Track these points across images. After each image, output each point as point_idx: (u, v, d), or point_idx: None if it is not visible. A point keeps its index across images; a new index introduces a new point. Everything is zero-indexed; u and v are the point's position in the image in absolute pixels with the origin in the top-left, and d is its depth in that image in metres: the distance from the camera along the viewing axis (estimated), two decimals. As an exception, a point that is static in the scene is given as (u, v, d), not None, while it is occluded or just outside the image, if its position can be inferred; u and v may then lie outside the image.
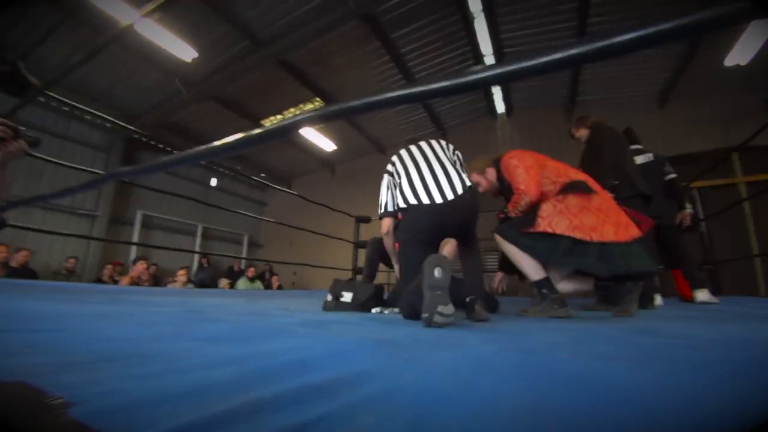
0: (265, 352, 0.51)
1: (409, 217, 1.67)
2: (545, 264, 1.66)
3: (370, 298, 2.00)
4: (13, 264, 4.31)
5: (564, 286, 1.73)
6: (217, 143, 0.80)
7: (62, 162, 2.31)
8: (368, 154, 8.44)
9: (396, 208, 1.87)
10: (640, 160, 3.01)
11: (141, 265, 4.57)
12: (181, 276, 4.90)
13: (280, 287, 7.26)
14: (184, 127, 6.96)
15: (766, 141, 3.18)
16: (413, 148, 1.86)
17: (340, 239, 4.94)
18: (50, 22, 4.44)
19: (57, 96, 2.26)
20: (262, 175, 9.17)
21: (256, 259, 8.43)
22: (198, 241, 7.89)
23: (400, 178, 1.79)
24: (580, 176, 1.73)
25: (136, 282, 4.50)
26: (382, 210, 1.99)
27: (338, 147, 7.72)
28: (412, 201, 1.67)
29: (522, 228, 1.68)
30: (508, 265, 2.02)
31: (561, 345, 0.72)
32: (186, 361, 0.45)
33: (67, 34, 4.64)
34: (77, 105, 2.33)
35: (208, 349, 0.53)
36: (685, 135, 5.66)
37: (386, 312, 1.95)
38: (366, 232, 6.08)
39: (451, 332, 0.87)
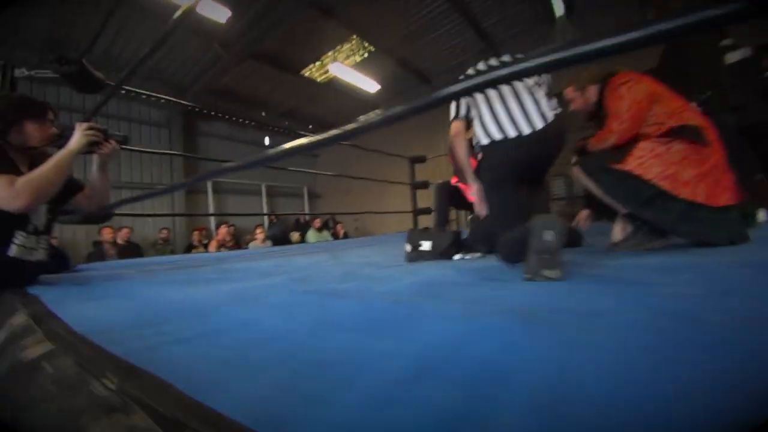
0: (428, 347, 0.51)
1: (493, 155, 1.53)
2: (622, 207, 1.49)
3: (451, 246, 2.01)
4: (120, 241, 4.95)
5: (618, 233, 1.59)
6: (279, 149, 0.84)
7: (142, 149, 2.48)
8: (412, 88, 8.01)
9: (477, 144, 1.69)
10: (733, 58, 2.52)
11: (224, 229, 5.02)
12: (260, 234, 5.31)
13: (345, 234, 7.61)
14: (231, 91, 7.07)
15: None
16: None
17: (397, 182, 4.91)
18: (101, 14, 4.56)
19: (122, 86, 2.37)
20: (310, 126, 9.21)
21: (318, 214, 8.80)
22: (264, 199, 8.37)
23: (478, 107, 1.60)
24: (697, 119, 1.43)
25: (222, 244, 4.98)
26: (453, 114, 1.78)
27: (381, 86, 7.39)
28: (497, 136, 1.51)
29: (608, 162, 1.47)
30: (594, 203, 1.88)
31: (704, 298, 0.67)
32: (378, 370, 0.44)
33: (121, 22, 4.75)
34: (134, 89, 2.42)
35: (370, 344, 0.55)
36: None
37: (467, 257, 1.96)
38: (421, 173, 6.01)
39: (571, 291, 0.84)
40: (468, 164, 1.83)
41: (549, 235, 1.02)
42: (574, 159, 1.67)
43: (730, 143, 1.50)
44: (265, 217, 8.18)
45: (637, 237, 1.50)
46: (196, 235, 5.47)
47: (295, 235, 6.70)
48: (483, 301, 0.79)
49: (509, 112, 1.51)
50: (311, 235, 6.75)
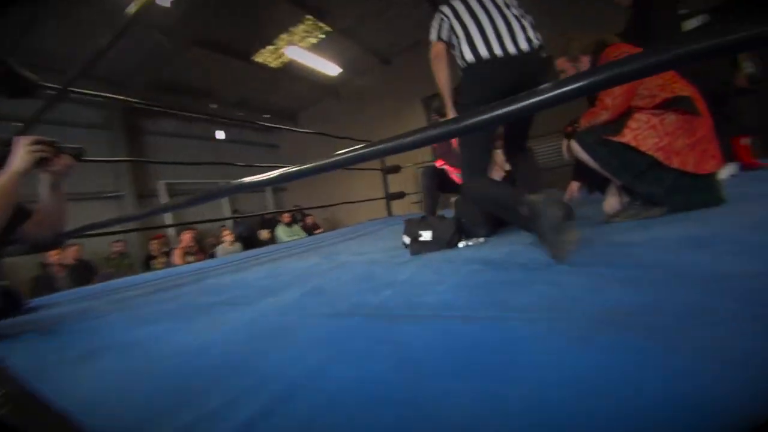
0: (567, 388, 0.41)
1: (475, 76, 1.43)
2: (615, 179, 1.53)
3: (455, 234, 1.92)
4: (69, 261, 4.43)
5: (613, 204, 1.63)
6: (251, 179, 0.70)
7: (93, 158, 2.14)
8: (372, 68, 7.77)
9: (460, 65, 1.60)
10: (691, 24, 2.62)
11: (187, 235, 4.63)
12: (228, 236, 4.96)
13: (316, 225, 7.36)
14: (176, 83, 6.47)
15: None
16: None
17: (366, 168, 4.68)
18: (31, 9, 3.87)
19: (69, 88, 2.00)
20: (266, 116, 8.72)
21: (285, 211, 8.46)
22: (225, 198, 7.86)
23: (457, 34, 1.52)
24: (688, 89, 1.45)
25: (188, 252, 4.60)
26: (434, 35, 1.67)
27: (343, 69, 7.09)
28: (483, 51, 1.43)
29: (603, 134, 1.49)
30: (582, 173, 1.89)
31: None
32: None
33: (53, 18, 4.07)
34: (80, 90, 2.07)
35: (498, 391, 0.43)
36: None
37: (470, 243, 1.89)
38: (390, 157, 5.87)
39: (629, 279, 0.76)
40: (449, 91, 1.68)
41: (557, 211, 0.98)
42: (569, 133, 1.67)
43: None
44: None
45: (634, 208, 1.53)
46: (154, 245, 5.02)
47: (263, 233, 6.37)
48: (561, 305, 0.68)
49: (496, 28, 1.43)
50: (281, 231, 6.44)
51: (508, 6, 1.53)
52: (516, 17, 1.50)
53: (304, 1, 5.25)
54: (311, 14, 5.43)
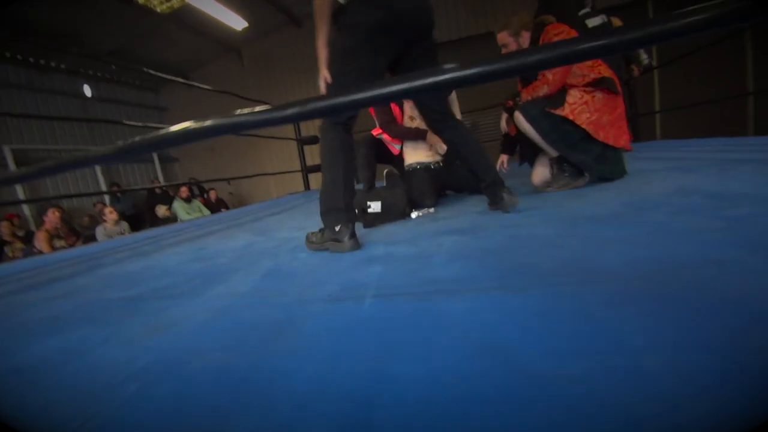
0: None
1: (350, 14, 1.14)
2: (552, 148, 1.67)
3: (407, 203, 1.84)
4: None
5: (542, 175, 1.81)
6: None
7: None
8: (281, 28, 7.07)
9: None
10: (593, 23, 2.94)
11: (53, 215, 3.67)
12: (111, 215, 4.10)
13: (220, 201, 6.62)
14: (29, 23, 4.96)
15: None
16: None
17: (279, 138, 4.19)
18: None
19: None
20: (148, 70, 7.34)
21: (181, 184, 7.44)
22: (98, 168, 6.50)
23: None
24: (608, 72, 1.63)
25: (54, 235, 3.68)
26: None
27: (248, 23, 6.25)
28: None
29: (546, 107, 1.62)
30: (510, 146, 2.01)
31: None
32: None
33: None
34: None
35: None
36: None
37: (420, 214, 1.84)
38: (311, 127, 5.50)
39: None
40: (326, 39, 1.24)
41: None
42: (509, 107, 1.79)
43: None
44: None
45: (565, 178, 1.71)
46: (5, 227, 3.90)
47: (162, 209, 5.49)
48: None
49: None
50: (179, 207, 5.61)
51: None
52: None
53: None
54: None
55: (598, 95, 1.60)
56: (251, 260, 1.24)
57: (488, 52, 5.79)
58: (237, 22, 6.03)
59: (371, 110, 2.50)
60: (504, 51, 1.77)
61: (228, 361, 0.51)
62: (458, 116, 2.04)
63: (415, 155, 2.15)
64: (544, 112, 1.62)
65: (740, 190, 1.09)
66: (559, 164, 1.73)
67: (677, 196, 1.15)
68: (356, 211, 1.87)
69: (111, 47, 6.29)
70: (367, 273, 0.88)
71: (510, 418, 0.32)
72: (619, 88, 1.66)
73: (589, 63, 1.62)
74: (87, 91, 6.63)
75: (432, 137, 2.10)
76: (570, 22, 1.92)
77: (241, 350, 0.54)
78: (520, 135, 1.80)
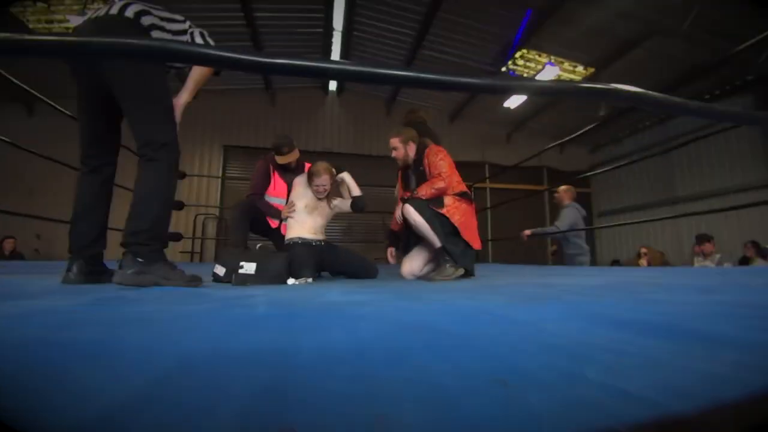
0: None
1: None
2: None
3: (286, 269, 1.80)
4: None
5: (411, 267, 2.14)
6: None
7: None
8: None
9: None
10: None
11: None
12: None
13: (17, 255, 5.05)
14: None
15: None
16: None
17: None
18: None
19: None
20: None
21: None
22: None
23: None
24: (465, 188, 2.14)
25: None
26: None
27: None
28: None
29: (430, 205, 1.98)
30: (396, 239, 2.31)
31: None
32: None
33: None
34: None
35: None
36: (462, 147, 7.49)
37: (297, 282, 1.82)
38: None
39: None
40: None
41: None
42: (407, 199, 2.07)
43: None
44: None
45: (446, 270, 1.94)
46: None
47: None
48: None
49: None
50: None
51: None
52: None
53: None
54: None
55: (464, 204, 2.04)
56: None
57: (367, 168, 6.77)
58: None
59: (252, 176, 2.56)
60: (394, 153, 2.22)
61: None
62: (356, 193, 2.27)
63: (299, 230, 2.19)
64: (428, 206, 1.96)
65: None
66: (443, 253, 1.95)
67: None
68: (221, 270, 1.76)
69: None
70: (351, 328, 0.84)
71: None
72: (473, 202, 2.14)
73: (457, 179, 2.09)
74: None
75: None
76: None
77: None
78: (405, 228, 2.10)
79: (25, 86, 2.45)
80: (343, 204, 2.29)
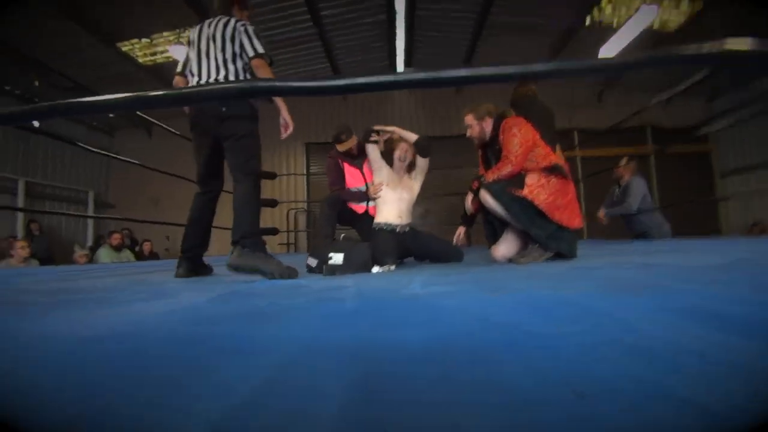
0: None
1: None
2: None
3: (370, 257, 1.91)
4: None
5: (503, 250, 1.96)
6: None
7: None
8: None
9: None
10: None
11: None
12: (21, 250, 3.62)
13: (153, 255, 6.12)
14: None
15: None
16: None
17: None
18: None
19: None
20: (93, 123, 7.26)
21: (108, 218, 6.87)
22: (20, 200, 5.86)
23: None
24: (560, 160, 1.92)
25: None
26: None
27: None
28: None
29: (507, 187, 1.81)
30: (469, 220, 2.20)
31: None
32: None
33: None
34: None
35: None
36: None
37: (381, 270, 1.91)
38: (267, 189, 5.56)
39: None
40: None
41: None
42: (477, 186, 1.94)
43: None
44: (19, 228, 5.71)
45: (533, 252, 1.83)
46: None
47: (79, 252, 4.93)
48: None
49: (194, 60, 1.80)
50: (104, 254, 5.10)
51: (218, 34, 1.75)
52: (207, 48, 1.76)
53: (206, 10, 4.88)
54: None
55: (553, 180, 1.82)
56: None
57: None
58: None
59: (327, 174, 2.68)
60: (468, 132, 2.06)
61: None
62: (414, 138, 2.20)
63: (386, 214, 2.20)
64: (506, 190, 1.79)
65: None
66: (523, 239, 1.87)
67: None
68: (315, 261, 1.93)
69: (74, 82, 6.21)
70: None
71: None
72: (568, 173, 1.90)
73: (543, 152, 1.87)
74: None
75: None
76: (531, 118, 2.26)
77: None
78: (485, 215, 1.99)
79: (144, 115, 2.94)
80: (418, 161, 2.23)
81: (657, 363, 0.33)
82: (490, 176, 1.88)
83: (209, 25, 1.77)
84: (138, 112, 3.05)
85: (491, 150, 2.04)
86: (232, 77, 1.74)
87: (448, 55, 6.52)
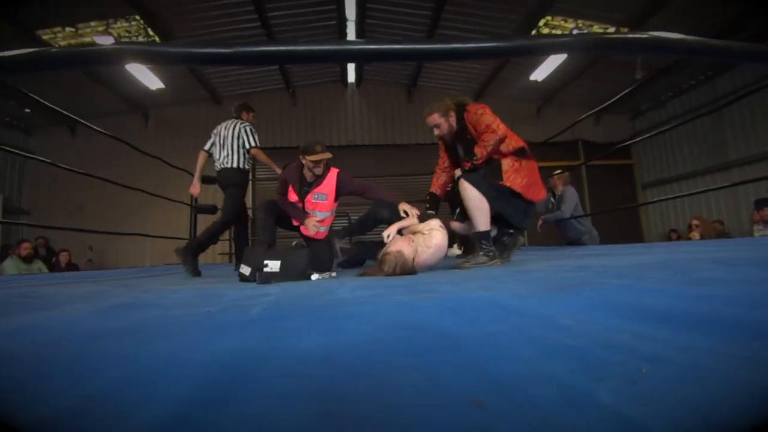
0: None
1: None
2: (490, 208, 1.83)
3: (308, 265, 1.80)
4: None
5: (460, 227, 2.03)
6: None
7: None
8: (200, 102, 7.10)
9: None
10: None
11: None
12: None
13: (72, 266, 5.46)
14: None
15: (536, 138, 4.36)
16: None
17: (170, 199, 3.97)
18: None
19: None
20: (26, 110, 6.43)
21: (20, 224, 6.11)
22: None
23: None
24: (522, 142, 1.94)
25: None
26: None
27: (165, 86, 6.11)
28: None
29: (486, 178, 1.82)
30: (434, 199, 2.22)
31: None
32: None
33: None
34: None
35: None
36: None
37: (319, 277, 1.81)
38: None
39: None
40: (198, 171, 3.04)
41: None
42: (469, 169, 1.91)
43: None
44: None
45: (480, 257, 1.82)
46: None
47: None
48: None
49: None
50: (11, 265, 4.45)
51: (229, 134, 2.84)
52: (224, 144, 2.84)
53: (141, 2, 4.52)
54: (142, 15, 4.68)
55: (524, 162, 1.87)
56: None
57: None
58: (151, 82, 5.88)
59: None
60: (436, 131, 2.02)
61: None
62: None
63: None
64: (484, 179, 1.81)
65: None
66: (479, 239, 1.83)
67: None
68: (248, 269, 1.77)
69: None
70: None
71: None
72: (529, 151, 1.92)
73: (511, 137, 1.89)
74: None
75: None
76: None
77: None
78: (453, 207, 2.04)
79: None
80: None
81: (585, 363, 0.28)
82: (479, 152, 1.86)
83: (226, 127, 2.86)
84: (61, 111, 2.81)
85: (461, 143, 2.01)
86: (236, 160, 2.83)
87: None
